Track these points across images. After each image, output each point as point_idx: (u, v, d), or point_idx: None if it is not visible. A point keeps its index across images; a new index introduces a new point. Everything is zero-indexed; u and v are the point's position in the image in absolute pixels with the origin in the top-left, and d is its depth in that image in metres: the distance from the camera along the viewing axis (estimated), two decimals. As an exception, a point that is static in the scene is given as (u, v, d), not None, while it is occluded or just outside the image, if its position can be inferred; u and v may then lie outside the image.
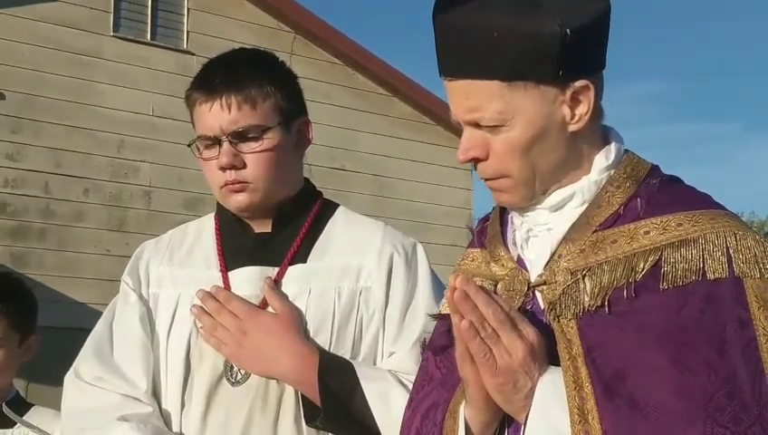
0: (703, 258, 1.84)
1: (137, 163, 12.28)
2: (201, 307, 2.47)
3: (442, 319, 2.06)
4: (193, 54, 12.18)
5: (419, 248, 2.56)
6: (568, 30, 1.82)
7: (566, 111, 1.89)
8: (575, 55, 1.84)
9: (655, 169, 1.99)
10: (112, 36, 12.27)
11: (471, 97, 1.89)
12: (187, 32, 12.77)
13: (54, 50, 11.80)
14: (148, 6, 12.58)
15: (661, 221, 1.88)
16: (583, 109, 1.89)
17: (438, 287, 2.52)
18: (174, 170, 11.94)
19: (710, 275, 1.82)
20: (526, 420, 1.84)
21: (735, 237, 1.85)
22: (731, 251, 1.84)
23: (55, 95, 11.77)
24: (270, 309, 2.46)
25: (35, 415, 3.32)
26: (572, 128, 1.90)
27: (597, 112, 1.93)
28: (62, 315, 10.33)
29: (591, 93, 1.89)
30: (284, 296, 2.47)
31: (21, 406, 3.35)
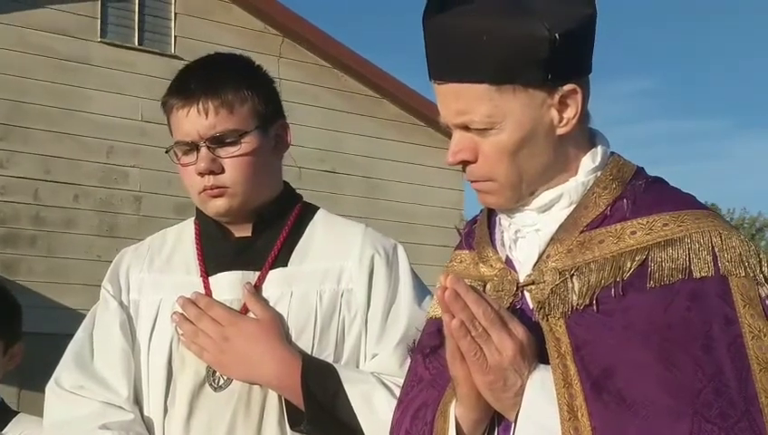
0: (689, 257, 1.87)
1: (126, 168, 12.27)
2: (182, 314, 2.46)
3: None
4: (181, 59, 12.13)
5: (400, 250, 2.56)
6: (556, 34, 1.84)
7: (554, 114, 1.91)
8: (563, 59, 1.87)
9: (640, 171, 2.01)
10: (100, 42, 12.27)
11: (460, 100, 1.91)
12: (175, 36, 12.77)
13: (42, 56, 11.79)
14: (135, 12, 12.57)
15: (647, 221, 1.91)
16: (571, 112, 1.92)
17: (420, 288, 2.53)
18: (163, 175, 11.91)
19: (696, 274, 1.85)
20: (516, 417, 1.86)
21: (720, 237, 1.88)
22: (716, 250, 1.87)
23: (43, 101, 11.76)
24: (251, 314, 2.46)
25: (20, 423, 3.30)
26: (560, 131, 1.93)
27: (584, 116, 1.96)
28: (54, 322, 10.32)
29: (579, 97, 1.92)
30: (265, 301, 2.46)
31: (4, 414, 3.33)
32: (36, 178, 11.73)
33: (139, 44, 12.59)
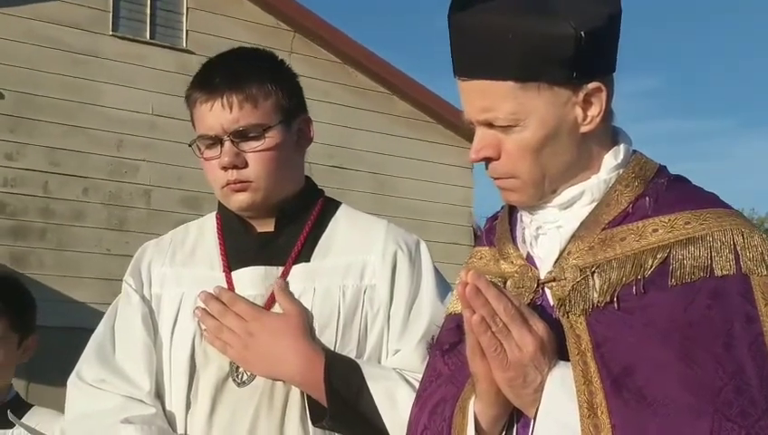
0: (710, 256, 1.87)
1: (136, 162, 12.27)
2: (204, 309, 2.46)
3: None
4: (192, 53, 12.18)
5: (423, 245, 2.56)
6: (582, 32, 1.85)
7: (578, 112, 1.92)
8: (588, 58, 1.87)
9: (662, 169, 2.01)
10: (111, 35, 12.27)
11: (485, 97, 1.91)
12: (187, 31, 12.76)
13: (53, 49, 11.79)
14: (147, 5, 12.56)
15: (669, 219, 1.91)
16: (595, 110, 1.92)
17: (442, 284, 2.53)
18: (173, 169, 11.93)
19: (717, 272, 1.85)
20: (536, 414, 1.86)
21: (742, 235, 1.89)
22: (738, 248, 1.87)
23: (54, 94, 11.76)
24: (276, 308, 2.46)
25: (34, 416, 3.33)
26: (584, 129, 1.93)
27: (607, 114, 1.96)
28: (63, 315, 10.33)
29: (603, 95, 1.92)
30: (293, 297, 2.46)
31: (20, 407, 3.36)
32: (46, 171, 11.73)
33: (151, 38, 12.59)
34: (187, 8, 12.77)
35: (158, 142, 12.07)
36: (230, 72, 2.48)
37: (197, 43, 12.33)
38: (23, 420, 3.26)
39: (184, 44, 12.66)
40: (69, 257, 11.72)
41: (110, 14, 12.26)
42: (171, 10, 12.72)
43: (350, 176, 13.51)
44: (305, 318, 2.43)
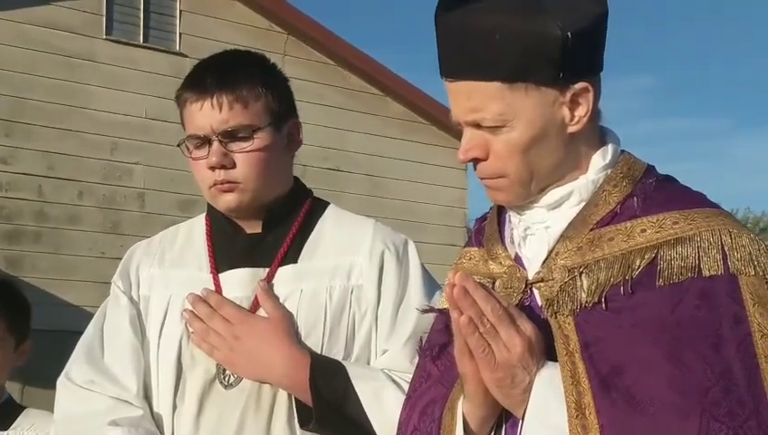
0: (698, 256, 1.87)
1: (130, 165, 12.29)
2: (192, 312, 2.47)
3: (431, 312, 2.10)
4: (186, 56, 12.19)
5: (410, 245, 2.56)
6: (569, 33, 1.85)
7: (565, 112, 1.92)
8: (575, 58, 1.87)
9: (650, 169, 2.01)
10: (105, 39, 12.28)
11: (472, 98, 1.91)
12: (180, 34, 12.78)
13: (47, 53, 11.81)
14: (140, 9, 12.58)
15: (657, 219, 1.91)
16: (582, 111, 1.92)
17: (430, 283, 2.53)
18: (167, 172, 11.94)
19: (705, 273, 1.85)
20: (524, 414, 1.86)
21: (730, 235, 1.88)
22: (726, 249, 1.87)
23: (48, 98, 11.77)
24: (261, 312, 2.46)
25: (27, 418, 3.33)
26: (571, 129, 1.93)
27: (595, 114, 1.96)
28: (57, 318, 10.33)
29: (591, 95, 1.92)
30: (277, 299, 2.46)
31: (13, 409, 3.37)
32: (40, 175, 11.74)
33: (145, 42, 12.60)
34: (180, 11, 12.78)
35: (151, 146, 12.08)
36: (221, 72, 2.48)
37: (191, 46, 12.33)
38: (16, 423, 3.28)
39: (177, 47, 12.68)
40: (63, 261, 11.73)
41: (104, 17, 12.28)
42: (164, 13, 12.73)
43: (344, 178, 13.53)
44: (290, 321, 2.44)
